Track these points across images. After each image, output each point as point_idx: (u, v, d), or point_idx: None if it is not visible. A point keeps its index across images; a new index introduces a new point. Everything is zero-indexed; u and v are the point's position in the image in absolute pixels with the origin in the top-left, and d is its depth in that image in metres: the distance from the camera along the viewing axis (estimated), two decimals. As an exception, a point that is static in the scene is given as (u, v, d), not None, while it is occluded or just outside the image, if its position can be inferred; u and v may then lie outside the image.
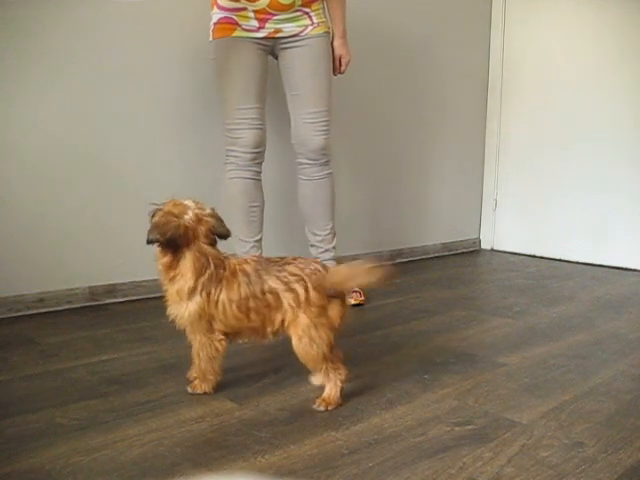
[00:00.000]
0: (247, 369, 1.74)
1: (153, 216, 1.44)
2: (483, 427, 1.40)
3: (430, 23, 3.50)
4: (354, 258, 3.21)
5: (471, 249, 3.93)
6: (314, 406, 1.47)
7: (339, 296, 1.48)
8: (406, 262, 3.48)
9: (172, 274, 1.45)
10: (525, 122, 3.76)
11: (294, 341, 1.46)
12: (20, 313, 2.20)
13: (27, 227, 2.22)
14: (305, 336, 1.43)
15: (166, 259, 1.45)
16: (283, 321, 1.46)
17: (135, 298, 2.47)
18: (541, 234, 3.71)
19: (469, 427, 1.40)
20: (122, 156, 2.41)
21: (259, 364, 1.77)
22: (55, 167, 2.26)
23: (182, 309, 1.46)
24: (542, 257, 3.68)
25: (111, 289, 2.42)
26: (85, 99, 2.30)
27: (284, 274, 1.46)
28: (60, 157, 2.26)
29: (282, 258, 1.51)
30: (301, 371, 1.56)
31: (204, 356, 1.50)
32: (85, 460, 1.22)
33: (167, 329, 2.12)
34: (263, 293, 1.45)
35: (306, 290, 1.44)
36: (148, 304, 2.41)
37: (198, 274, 1.44)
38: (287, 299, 1.44)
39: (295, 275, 1.46)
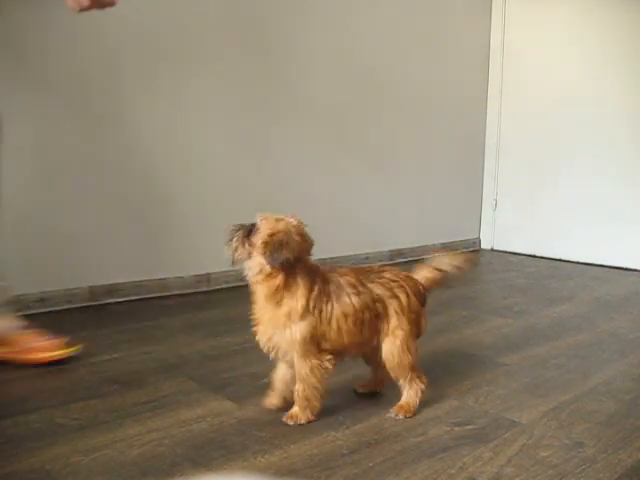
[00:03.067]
0: (247, 369, 1.74)
1: (248, 235, 1.34)
2: (483, 427, 1.40)
3: (431, 19, 3.50)
4: (354, 258, 3.23)
5: (471, 249, 3.93)
6: (391, 414, 1.44)
7: (425, 303, 1.50)
8: (406, 262, 3.47)
9: (280, 295, 1.34)
10: (525, 122, 3.76)
11: (389, 348, 1.42)
12: (20, 313, 2.20)
13: (27, 227, 2.21)
14: (404, 344, 1.41)
15: (279, 279, 1.33)
16: (386, 330, 1.42)
17: (135, 298, 2.47)
18: (541, 234, 3.71)
19: (469, 427, 1.40)
20: (121, 156, 2.41)
21: (259, 364, 1.77)
22: (55, 167, 2.26)
23: (289, 332, 1.34)
24: (542, 257, 3.68)
25: (111, 289, 2.42)
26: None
27: (385, 280, 1.43)
28: (60, 157, 2.26)
29: (372, 267, 1.50)
30: (301, 371, 1.55)
31: (314, 381, 1.38)
32: (85, 460, 1.22)
33: (167, 329, 2.13)
34: (374, 302, 1.40)
35: (407, 296, 1.43)
36: (148, 304, 2.41)
37: (309, 292, 1.35)
38: (393, 306, 1.41)
39: (395, 282, 1.43)
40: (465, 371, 1.76)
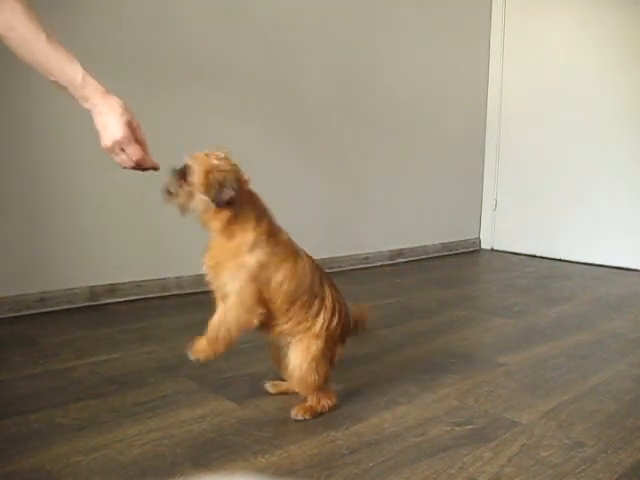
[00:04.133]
0: (247, 369, 1.74)
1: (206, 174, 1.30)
2: (483, 427, 1.40)
3: (431, 19, 3.50)
4: (354, 258, 3.24)
5: (471, 249, 3.93)
6: (292, 412, 1.41)
7: (349, 335, 1.47)
8: (406, 262, 3.48)
9: (231, 230, 1.33)
10: (525, 122, 3.75)
11: (297, 359, 1.37)
12: (20, 313, 2.20)
13: (27, 227, 2.21)
14: (313, 362, 1.37)
15: (225, 214, 1.31)
16: (301, 334, 1.38)
17: (135, 298, 2.47)
18: (541, 234, 3.71)
19: (469, 427, 1.40)
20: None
21: (259, 364, 1.77)
22: (55, 166, 2.26)
23: (233, 263, 1.32)
24: (542, 257, 3.68)
25: (111, 289, 2.42)
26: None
27: (336, 295, 1.41)
28: (61, 156, 2.26)
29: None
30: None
31: (232, 321, 1.33)
32: (85, 460, 1.22)
33: (167, 329, 2.13)
34: (315, 297, 1.38)
35: (339, 321, 1.40)
36: (148, 304, 2.41)
37: (259, 225, 1.33)
38: (325, 318, 1.38)
39: (339, 303, 1.42)
40: (465, 371, 1.76)
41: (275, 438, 1.32)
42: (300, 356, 1.38)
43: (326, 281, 1.43)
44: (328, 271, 3.21)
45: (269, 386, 1.56)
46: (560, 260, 3.60)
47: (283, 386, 1.53)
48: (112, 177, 2.40)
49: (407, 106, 3.45)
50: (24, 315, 2.20)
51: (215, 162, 1.32)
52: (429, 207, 3.66)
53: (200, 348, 1.35)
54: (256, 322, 1.35)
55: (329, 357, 1.41)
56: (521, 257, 3.71)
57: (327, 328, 1.39)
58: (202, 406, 1.48)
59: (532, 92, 3.70)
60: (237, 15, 2.66)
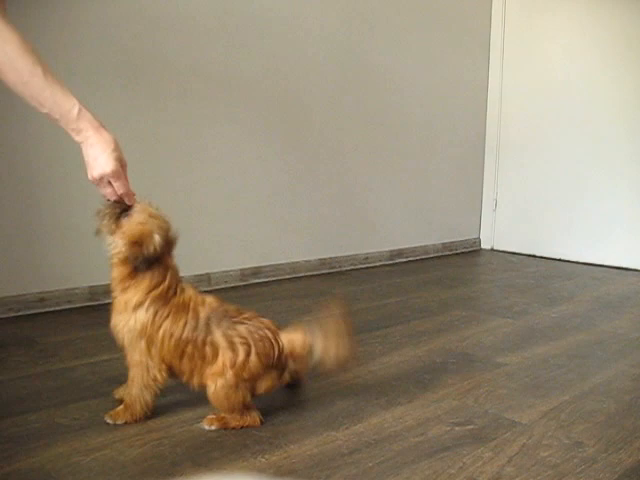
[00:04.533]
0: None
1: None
2: (483, 427, 1.40)
3: (431, 19, 3.50)
4: (354, 258, 3.24)
5: (471, 249, 3.93)
6: (204, 425, 1.38)
7: (283, 368, 1.41)
8: (406, 262, 3.48)
9: (127, 284, 1.36)
10: (525, 122, 3.75)
11: (211, 390, 1.36)
12: (20, 313, 2.20)
13: (27, 227, 2.21)
14: (224, 390, 1.34)
15: (127, 270, 1.35)
16: (207, 374, 1.37)
17: (135, 298, 2.46)
18: (541, 234, 3.71)
19: (469, 427, 1.40)
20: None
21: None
22: (55, 166, 2.26)
23: (123, 320, 1.36)
24: (542, 257, 3.68)
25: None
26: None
27: (233, 332, 1.37)
28: (61, 155, 2.26)
29: (240, 312, 1.41)
30: (301, 371, 1.55)
31: (139, 382, 1.36)
32: (85, 460, 1.22)
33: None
34: (204, 344, 1.36)
35: (247, 355, 1.36)
36: (148, 304, 2.41)
37: (150, 290, 1.35)
38: (225, 357, 1.35)
39: (243, 337, 1.37)
40: (465, 371, 1.76)
41: (275, 438, 1.32)
42: (213, 389, 1.35)
43: (220, 323, 1.37)
44: (328, 271, 3.20)
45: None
46: (560, 260, 3.60)
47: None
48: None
49: (407, 106, 3.45)
50: (24, 315, 2.20)
51: (148, 229, 1.34)
52: (429, 207, 3.66)
53: (116, 412, 1.39)
54: (160, 378, 1.37)
55: (248, 388, 1.37)
56: (521, 257, 3.71)
57: (232, 366, 1.34)
58: (202, 406, 1.47)
59: (532, 92, 3.70)
60: (235, 25, 2.66)
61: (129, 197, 1.37)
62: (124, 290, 1.37)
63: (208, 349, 1.36)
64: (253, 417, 1.39)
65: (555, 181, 3.63)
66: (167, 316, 1.36)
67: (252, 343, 1.37)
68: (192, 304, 1.39)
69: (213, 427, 1.37)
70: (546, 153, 3.66)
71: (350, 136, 3.18)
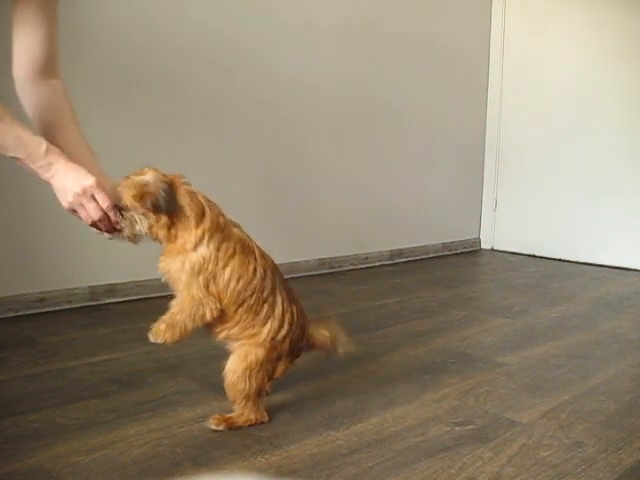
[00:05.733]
0: (247, 369, 1.74)
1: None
2: (483, 427, 1.40)
3: (431, 19, 3.50)
4: (355, 258, 3.24)
5: (471, 249, 3.93)
6: (211, 424, 1.35)
7: (297, 355, 1.41)
8: (406, 262, 3.48)
9: (174, 232, 1.32)
10: (525, 122, 3.75)
11: (233, 363, 1.33)
12: (20, 313, 2.20)
13: (27, 227, 2.21)
14: (248, 369, 1.32)
15: (164, 220, 1.31)
16: (244, 340, 1.34)
17: (135, 298, 2.47)
18: (541, 234, 3.71)
19: (469, 427, 1.40)
20: (111, 155, 2.41)
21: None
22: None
23: (179, 260, 1.31)
24: (542, 257, 3.68)
25: (111, 289, 2.42)
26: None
27: (287, 306, 1.35)
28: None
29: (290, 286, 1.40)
30: (301, 371, 1.56)
31: (188, 312, 1.31)
32: (85, 460, 1.22)
33: (167, 329, 2.13)
34: (265, 301, 1.33)
35: (286, 335, 1.35)
36: (148, 304, 2.41)
37: (199, 220, 1.32)
38: (271, 327, 1.33)
39: (293, 315, 1.36)
40: (465, 371, 1.76)
41: (275, 438, 1.32)
42: (237, 361, 1.33)
43: (281, 288, 1.37)
44: (328, 271, 3.21)
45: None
46: (560, 260, 3.60)
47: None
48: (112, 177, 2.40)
49: (407, 106, 3.45)
50: (24, 315, 2.20)
51: (137, 179, 1.32)
52: (429, 207, 3.66)
53: (159, 332, 1.32)
54: (209, 316, 1.31)
55: (269, 370, 1.36)
56: (521, 257, 3.71)
57: (272, 339, 1.33)
58: (202, 406, 1.48)
59: (532, 92, 3.70)
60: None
61: (114, 211, 1.33)
62: (175, 239, 1.32)
63: (265, 310, 1.33)
64: (262, 413, 1.38)
65: (555, 181, 3.63)
66: (233, 254, 1.32)
67: (295, 322, 1.37)
68: (253, 248, 1.35)
69: (221, 427, 1.35)
70: (546, 153, 3.66)
71: (349, 137, 3.18)
